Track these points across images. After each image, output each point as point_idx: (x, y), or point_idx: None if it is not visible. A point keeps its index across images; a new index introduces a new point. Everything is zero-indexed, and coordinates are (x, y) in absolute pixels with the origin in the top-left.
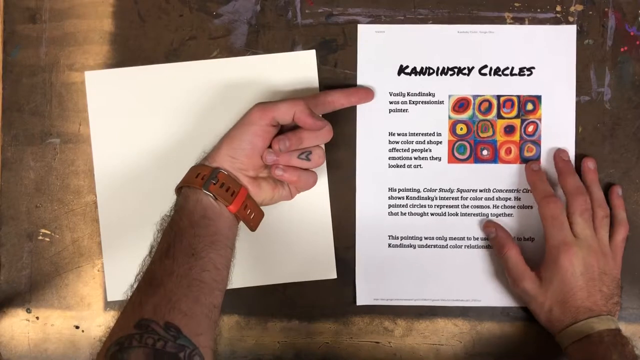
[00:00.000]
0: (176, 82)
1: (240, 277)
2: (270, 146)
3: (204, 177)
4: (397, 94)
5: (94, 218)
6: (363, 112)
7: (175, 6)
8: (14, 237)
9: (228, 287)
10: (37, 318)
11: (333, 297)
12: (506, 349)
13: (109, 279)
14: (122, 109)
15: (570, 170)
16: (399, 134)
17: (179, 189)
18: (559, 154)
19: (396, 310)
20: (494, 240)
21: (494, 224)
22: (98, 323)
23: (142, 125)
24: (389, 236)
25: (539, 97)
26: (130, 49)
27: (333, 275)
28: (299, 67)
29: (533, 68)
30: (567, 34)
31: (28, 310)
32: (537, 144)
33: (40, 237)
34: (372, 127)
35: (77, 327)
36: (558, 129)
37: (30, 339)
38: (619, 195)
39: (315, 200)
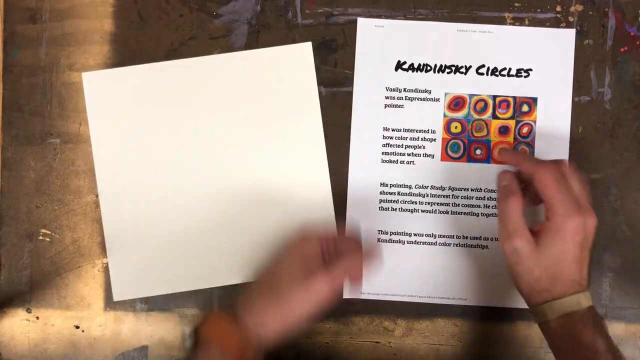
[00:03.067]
0: (173, 79)
1: (242, 273)
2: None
3: (244, 349)
4: (394, 90)
5: (94, 218)
6: (358, 106)
7: (175, 6)
8: (14, 237)
9: (228, 285)
10: (37, 318)
11: None
12: (506, 349)
13: (115, 279)
14: (121, 109)
15: (519, 154)
16: (393, 130)
17: (198, 332)
18: (500, 156)
19: (396, 310)
20: (503, 188)
21: (512, 174)
22: (98, 323)
23: (141, 123)
24: (379, 231)
25: (534, 99)
26: (130, 49)
27: None
28: (295, 59)
29: (530, 70)
30: (566, 37)
31: (28, 310)
32: (531, 145)
33: (40, 237)
34: (367, 121)
35: (77, 327)
36: (552, 132)
37: (31, 339)
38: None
39: (316, 196)
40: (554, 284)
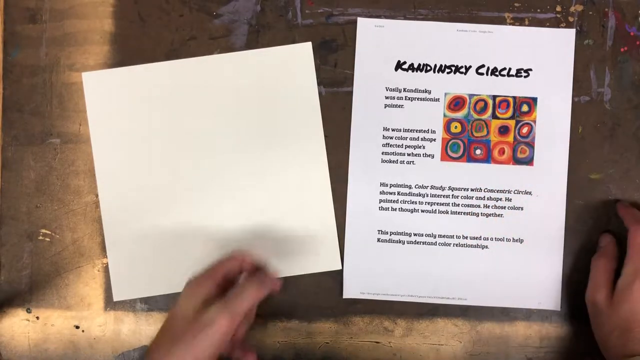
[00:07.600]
0: (173, 79)
1: None
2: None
3: None
4: (394, 90)
5: (94, 218)
6: (358, 106)
7: (175, 6)
8: (14, 237)
9: None
10: (37, 318)
11: (333, 296)
12: (506, 349)
13: (115, 279)
14: (121, 109)
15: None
16: (393, 130)
17: None
18: (621, 205)
19: (396, 310)
20: (600, 248)
21: (611, 237)
22: (98, 323)
23: (141, 124)
24: (379, 231)
25: (534, 99)
26: (130, 49)
27: (338, 266)
28: (295, 59)
29: (530, 70)
30: (566, 36)
31: (28, 310)
32: (531, 145)
33: (40, 237)
34: (367, 121)
35: (77, 327)
36: (552, 132)
37: (31, 339)
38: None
39: (315, 195)
40: (625, 342)
